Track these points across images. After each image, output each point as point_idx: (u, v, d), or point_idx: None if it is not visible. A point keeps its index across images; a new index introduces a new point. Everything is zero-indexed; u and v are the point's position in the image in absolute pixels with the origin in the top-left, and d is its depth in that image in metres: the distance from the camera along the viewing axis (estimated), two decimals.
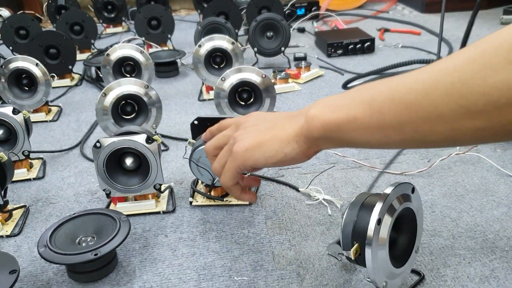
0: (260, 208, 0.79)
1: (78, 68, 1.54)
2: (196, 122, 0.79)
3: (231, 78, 0.98)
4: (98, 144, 0.74)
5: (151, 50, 1.63)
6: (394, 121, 0.45)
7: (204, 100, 1.26)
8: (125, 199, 0.80)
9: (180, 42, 1.79)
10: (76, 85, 1.44)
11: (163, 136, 1.05)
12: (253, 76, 0.97)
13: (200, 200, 0.81)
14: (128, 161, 0.77)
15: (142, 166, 0.77)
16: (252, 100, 1.00)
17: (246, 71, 0.98)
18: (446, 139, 0.44)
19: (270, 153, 0.54)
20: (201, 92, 1.31)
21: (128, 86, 0.95)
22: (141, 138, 0.75)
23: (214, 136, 0.64)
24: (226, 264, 0.67)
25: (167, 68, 1.45)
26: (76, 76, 1.49)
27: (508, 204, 0.75)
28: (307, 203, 0.79)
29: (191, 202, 0.80)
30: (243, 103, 1.00)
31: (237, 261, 0.67)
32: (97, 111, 0.94)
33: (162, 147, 1.01)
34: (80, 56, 1.65)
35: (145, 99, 0.95)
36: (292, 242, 0.70)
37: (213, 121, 0.79)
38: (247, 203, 0.79)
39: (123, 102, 0.97)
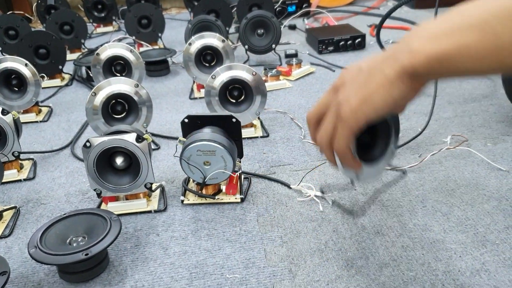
0: (252, 206, 0.78)
1: (69, 68, 1.53)
2: (186, 120, 0.79)
3: (221, 75, 0.97)
4: (88, 144, 0.74)
5: (141, 49, 1.62)
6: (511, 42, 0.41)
7: (195, 98, 1.25)
8: (116, 199, 0.80)
9: (171, 41, 1.78)
10: (67, 85, 1.43)
11: (154, 135, 1.05)
12: (244, 74, 0.97)
13: (191, 198, 0.81)
14: (119, 161, 0.77)
15: (133, 165, 0.77)
16: (243, 97, 0.99)
17: (236, 69, 0.97)
18: None
19: (380, 103, 0.50)
20: (192, 90, 1.30)
21: (118, 85, 0.94)
22: (131, 137, 0.74)
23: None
24: (218, 262, 0.66)
25: (158, 67, 1.44)
26: (67, 76, 1.48)
27: (498, 198, 0.75)
28: (299, 200, 0.79)
29: (182, 201, 0.80)
30: (234, 101, 1.00)
31: (229, 259, 0.67)
32: (87, 110, 0.93)
33: (153, 146, 1.00)
34: (71, 56, 1.64)
35: (136, 98, 0.95)
36: (284, 239, 0.70)
37: (204, 119, 0.79)
38: (238, 200, 0.79)
39: (114, 101, 0.96)
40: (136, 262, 0.68)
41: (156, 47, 1.66)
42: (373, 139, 0.64)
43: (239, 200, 0.79)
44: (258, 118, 1.04)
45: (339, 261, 0.65)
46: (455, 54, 0.44)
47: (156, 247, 0.71)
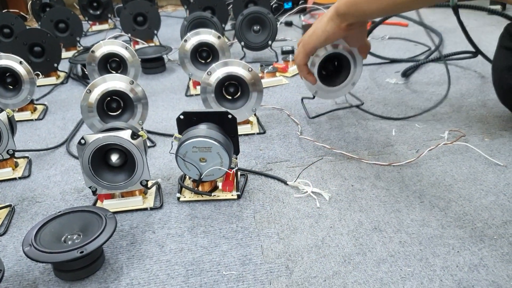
0: (249, 202, 0.78)
1: (64, 66, 1.52)
2: (182, 116, 0.79)
3: (217, 72, 0.97)
4: (82, 141, 0.73)
5: (137, 47, 1.61)
6: None
7: (191, 95, 1.25)
8: (111, 196, 0.79)
9: (166, 38, 1.77)
10: (62, 83, 1.43)
11: (150, 132, 1.04)
12: (240, 70, 0.97)
13: (187, 195, 0.80)
14: (114, 158, 0.76)
15: (128, 162, 0.76)
16: (239, 94, 0.99)
17: (232, 65, 0.97)
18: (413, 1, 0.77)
19: (319, 34, 0.88)
20: (188, 87, 1.30)
21: (113, 82, 0.94)
22: (126, 134, 0.74)
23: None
24: (215, 259, 0.66)
25: (153, 64, 1.43)
26: (62, 74, 1.47)
27: (496, 193, 0.75)
28: (296, 196, 0.78)
29: (178, 198, 0.79)
30: (230, 98, 0.99)
31: (225, 255, 0.66)
32: (82, 108, 0.93)
33: (149, 143, 1.00)
34: (66, 54, 1.63)
35: (131, 95, 0.94)
36: (280, 235, 0.70)
37: (199, 115, 0.78)
38: (235, 197, 0.78)
39: (109, 98, 0.95)
40: (132, 260, 0.67)
41: (152, 44, 1.66)
42: (338, 72, 1.00)
43: (235, 197, 0.78)
44: (255, 114, 1.04)
45: (336, 257, 0.65)
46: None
47: (152, 245, 0.70)
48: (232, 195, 0.78)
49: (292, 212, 0.75)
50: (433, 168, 0.83)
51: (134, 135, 0.74)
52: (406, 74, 1.24)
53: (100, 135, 0.74)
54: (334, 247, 0.66)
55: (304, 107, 1.09)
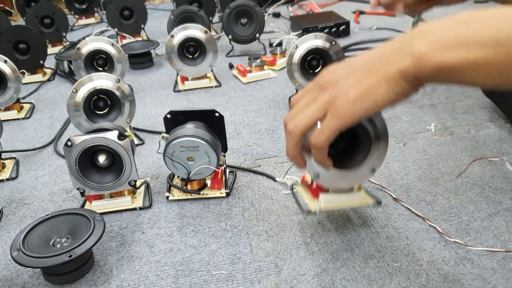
0: (237, 200, 0.78)
1: (51, 62, 1.50)
2: (169, 115, 0.78)
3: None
4: (69, 143, 0.73)
5: (124, 41, 1.60)
6: None
7: (180, 91, 1.24)
8: (100, 197, 0.79)
9: (154, 32, 1.76)
10: (49, 80, 1.41)
11: (138, 130, 1.04)
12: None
13: (176, 194, 0.80)
14: (101, 159, 0.76)
15: (116, 163, 0.76)
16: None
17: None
18: None
19: (382, 97, 0.49)
20: (176, 83, 1.29)
21: (99, 81, 0.93)
22: (112, 135, 0.73)
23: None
24: (204, 259, 0.66)
25: (141, 60, 1.43)
26: (48, 71, 1.46)
27: (481, 185, 0.76)
28: (284, 193, 0.79)
29: (167, 197, 0.80)
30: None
31: (214, 255, 0.67)
32: (69, 107, 0.92)
33: (138, 141, 0.99)
34: (52, 50, 1.62)
35: (117, 93, 0.94)
36: (269, 233, 0.70)
37: (187, 114, 0.78)
38: (224, 195, 0.78)
39: (95, 97, 0.95)
40: (122, 261, 0.68)
41: (139, 39, 1.64)
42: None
43: (224, 195, 0.79)
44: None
45: (325, 254, 0.65)
46: (464, 67, 0.44)
47: (141, 245, 0.70)
48: (221, 193, 0.79)
49: (281, 209, 0.75)
50: (420, 161, 0.83)
51: (121, 136, 0.74)
52: None
53: (87, 137, 0.74)
54: (323, 243, 0.67)
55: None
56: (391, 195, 0.75)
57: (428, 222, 0.68)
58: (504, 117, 0.93)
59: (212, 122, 0.79)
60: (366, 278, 0.60)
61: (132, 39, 1.61)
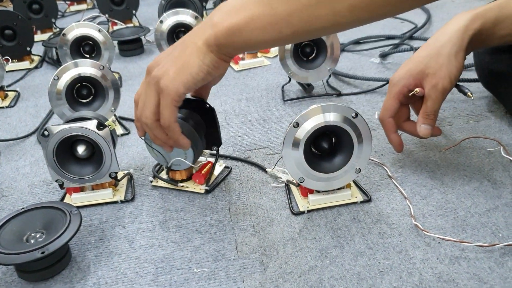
0: (224, 193, 0.75)
1: (40, 49, 1.46)
2: None
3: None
4: (46, 133, 0.69)
5: (116, 28, 1.55)
6: (283, 13, 0.51)
7: None
8: (81, 189, 0.76)
9: (146, 18, 1.72)
10: (36, 67, 1.37)
11: (124, 119, 1.00)
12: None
13: (161, 181, 0.77)
14: (80, 149, 0.72)
15: (96, 154, 0.73)
16: None
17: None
18: (330, 24, 0.51)
19: (195, 69, 0.57)
20: None
21: (82, 68, 0.89)
22: (91, 125, 0.70)
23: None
24: (186, 255, 0.63)
25: (131, 46, 1.38)
26: (36, 58, 1.41)
27: (480, 179, 0.72)
28: (273, 186, 0.75)
29: (151, 181, 0.76)
30: None
31: (197, 251, 0.63)
32: (50, 95, 0.88)
33: (123, 131, 0.96)
34: (42, 37, 1.58)
35: (102, 81, 0.90)
36: (256, 228, 0.67)
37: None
38: (202, 191, 0.74)
39: (79, 85, 0.91)
40: (100, 257, 0.64)
41: (131, 25, 1.60)
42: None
43: (202, 191, 0.74)
44: None
45: (313, 250, 0.62)
46: (244, 25, 0.53)
47: (121, 241, 0.67)
48: (200, 188, 0.75)
49: (269, 202, 0.72)
50: (415, 154, 0.80)
51: (101, 126, 0.70)
52: (383, 55, 1.19)
53: (65, 126, 0.70)
54: (311, 239, 0.64)
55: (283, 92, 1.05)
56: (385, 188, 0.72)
57: (413, 221, 0.65)
58: (505, 108, 0.89)
59: (203, 113, 0.74)
60: (355, 277, 0.57)
61: (123, 26, 1.56)
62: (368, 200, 0.69)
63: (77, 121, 0.72)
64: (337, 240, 0.63)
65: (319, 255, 0.61)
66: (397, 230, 0.64)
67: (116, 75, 1.22)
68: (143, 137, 0.72)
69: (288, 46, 0.97)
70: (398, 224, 0.65)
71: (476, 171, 0.74)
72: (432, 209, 0.67)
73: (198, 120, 0.74)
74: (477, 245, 0.59)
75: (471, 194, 0.69)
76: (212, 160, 0.77)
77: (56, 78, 0.88)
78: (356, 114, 0.64)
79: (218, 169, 0.79)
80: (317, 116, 0.64)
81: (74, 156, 0.73)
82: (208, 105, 0.73)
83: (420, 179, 0.73)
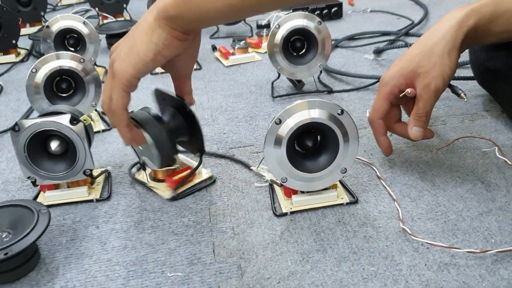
0: (205, 193, 0.71)
1: (28, 42, 1.43)
2: (156, 93, 0.72)
3: None
4: (16, 127, 0.66)
5: (105, 21, 1.51)
6: None
7: (157, 73, 1.16)
8: (56, 187, 0.72)
9: (138, 12, 1.67)
10: (22, 61, 1.33)
11: (104, 114, 0.96)
12: None
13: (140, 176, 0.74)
14: (53, 145, 0.69)
15: (70, 150, 0.69)
16: None
17: None
18: None
19: (143, 49, 0.53)
20: None
21: (62, 60, 0.86)
22: (64, 119, 0.66)
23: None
24: (160, 258, 0.59)
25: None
26: (23, 52, 1.38)
27: (473, 180, 0.68)
28: (257, 186, 0.72)
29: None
30: None
31: (172, 254, 0.60)
32: (28, 88, 0.85)
33: (105, 126, 0.92)
34: (31, 30, 1.54)
35: (82, 74, 0.86)
36: (235, 230, 0.63)
37: (168, 97, 0.69)
38: (167, 196, 0.69)
39: (58, 78, 0.87)
40: (70, 259, 0.61)
41: (122, 19, 1.56)
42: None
43: (167, 197, 0.69)
44: None
45: (294, 255, 0.58)
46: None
47: (94, 241, 0.63)
48: (167, 193, 0.70)
49: (251, 203, 0.68)
50: (406, 153, 0.76)
51: (74, 120, 0.66)
52: (378, 51, 1.16)
53: (37, 121, 0.66)
54: (293, 243, 0.60)
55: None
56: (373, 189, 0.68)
57: (402, 226, 0.62)
58: (501, 107, 0.85)
59: (187, 117, 0.68)
60: (337, 283, 0.54)
61: (114, 20, 1.52)
62: (354, 201, 0.66)
63: (51, 115, 0.69)
64: (320, 243, 0.60)
65: (300, 259, 0.57)
66: (384, 234, 0.60)
67: (102, 70, 1.18)
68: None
69: (278, 41, 0.94)
70: (385, 228, 0.61)
71: (469, 173, 0.70)
72: (421, 212, 0.63)
73: (180, 124, 0.69)
74: (467, 251, 0.56)
75: (463, 196, 0.66)
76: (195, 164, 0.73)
77: (34, 70, 0.84)
78: (342, 111, 0.61)
79: (202, 177, 0.74)
80: (301, 113, 0.61)
81: (47, 152, 0.69)
82: (188, 109, 0.67)
83: (410, 180, 0.70)
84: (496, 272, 0.53)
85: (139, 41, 0.53)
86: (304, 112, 0.61)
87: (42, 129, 0.66)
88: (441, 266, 0.55)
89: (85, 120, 0.69)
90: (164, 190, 0.71)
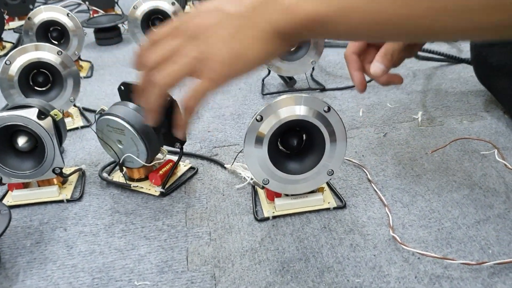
0: (183, 194, 0.67)
1: (14, 36, 1.38)
2: (122, 87, 0.67)
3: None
4: None
5: (95, 16, 1.47)
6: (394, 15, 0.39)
7: None
8: (25, 185, 0.68)
9: (129, 7, 1.63)
10: (6, 55, 1.29)
11: (87, 110, 0.92)
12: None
13: (116, 176, 0.69)
14: (20, 141, 0.64)
15: (38, 147, 0.65)
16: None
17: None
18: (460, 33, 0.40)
19: (254, 57, 0.44)
20: None
21: (40, 52, 0.81)
22: (31, 113, 0.62)
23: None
24: (128, 265, 0.55)
25: (107, 35, 1.30)
26: (8, 45, 1.33)
27: (470, 185, 0.64)
28: (238, 187, 0.67)
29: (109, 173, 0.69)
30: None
31: (142, 261, 0.55)
32: (1, 82, 0.80)
33: (84, 123, 0.88)
34: (19, 24, 1.50)
35: (60, 68, 0.81)
36: (212, 235, 0.59)
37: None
38: (157, 194, 0.66)
39: (35, 71, 0.83)
40: (32, 264, 0.56)
41: (113, 13, 1.52)
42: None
43: (157, 194, 0.66)
44: None
45: (274, 263, 0.54)
46: (336, 17, 0.40)
47: (60, 245, 0.59)
48: (156, 191, 0.66)
49: (231, 206, 0.64)
50: (400, 155, 0.71)
51: (42, 115, 0.62)
52: None
53: (3, 114, 0.62)
54: (273, 250, 0.55)
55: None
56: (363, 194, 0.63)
57: (393, 234, 0.57)
58: (502, 107, 0.81)
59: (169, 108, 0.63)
60: None
61: (104, 14, 1.48)
62: (342, 206, 0.61)
63: (19, 108, 0.64)
64: (303, 252, 0.55)
65: (280, 269, 0.53)
66: (372, 242, 0.55)
67: (88, 64, 1.14)
68: (94, 130, 0.64)
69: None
70: (374, 235, 0.56)
71: (466, 177, 0.65)
72: (413, 218, 0.59)
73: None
74: (462, 263, 0.51)
75: (459, 202, 0.61)
76: (174, 158, 0.69)
77: (8, 63, 0.80)
78: (329, 108, 0.56)
79: (182, 169, 0.71)
80: (284, 109, 0.56)
81: (14, 149, 0.65)
82: (169, 97, 0.63)
83: (403, 184, 0.65)
84: (493, 287, 0.48)
85: (250, 49, 0.44)
86: (288, 108, 0.56)
87: (7, 124, 0.62)
88: (432, 278, 0.50)
89: (55, 115, 0.64)
90: (149, 188, 0.66)
